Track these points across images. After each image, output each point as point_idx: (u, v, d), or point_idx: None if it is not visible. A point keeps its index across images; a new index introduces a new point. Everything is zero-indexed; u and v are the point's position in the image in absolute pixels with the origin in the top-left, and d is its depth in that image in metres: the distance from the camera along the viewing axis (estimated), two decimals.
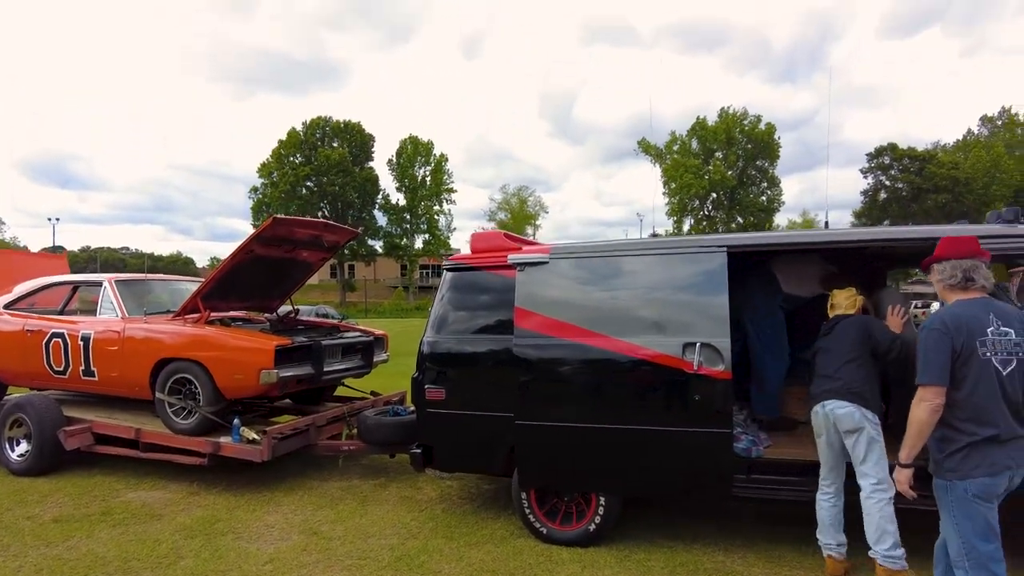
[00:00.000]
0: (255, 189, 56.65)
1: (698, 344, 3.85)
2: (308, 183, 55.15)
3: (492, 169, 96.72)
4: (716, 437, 3.82)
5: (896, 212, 51.88)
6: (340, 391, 7.31)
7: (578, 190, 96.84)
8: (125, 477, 5.88)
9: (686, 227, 52.77)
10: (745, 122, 53.50)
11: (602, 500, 4.18)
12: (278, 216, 5.60)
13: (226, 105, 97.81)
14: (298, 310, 7.35)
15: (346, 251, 54.35)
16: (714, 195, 53.66)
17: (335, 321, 8.88)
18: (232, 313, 6.81)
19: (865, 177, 56.33)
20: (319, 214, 53.94)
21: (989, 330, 2.61)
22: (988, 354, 2.59)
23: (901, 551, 3.38)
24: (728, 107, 54.25)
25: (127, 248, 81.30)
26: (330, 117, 57.36)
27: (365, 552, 4.17)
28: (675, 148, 54.92)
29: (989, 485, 2.55)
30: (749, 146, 53.28)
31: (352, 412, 6.17)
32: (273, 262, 6.21)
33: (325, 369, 5.96)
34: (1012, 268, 5.56)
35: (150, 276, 7.71)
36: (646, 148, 54.71)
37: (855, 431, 3.50)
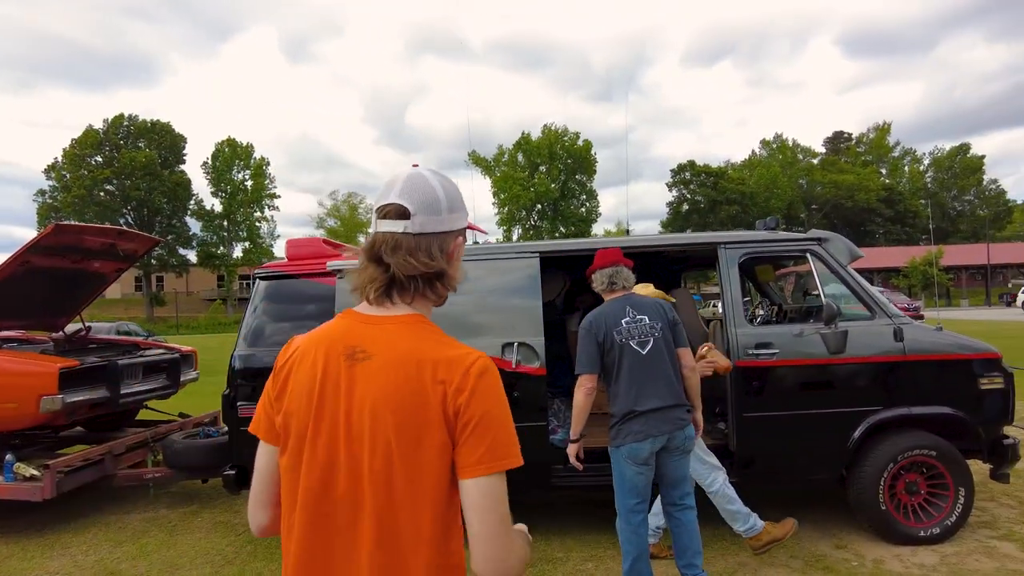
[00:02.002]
0: (42, 192, 49.64)
1: (516, 344, 4.04)
2: (108, 186, 49.43)
3: (320, 174, 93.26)
4: (534, 431, 4.02)
5: (696, 222, 58.12)
6: (144, 415, 6.65)
7: None
8: None
9: (515, 236, 54.60)
10: (565, 138, 56.66)
11: None
12: (61, 223, 5.00)
13: (2, 95, 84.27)
14: (89, 327, 6.57)
15: (153, 261, 49.31)
16: (539, 206, 56.18)
17: (137, 339, 8.07)
18: (5, 334, 5.95)
19: (670, 190, 62.52)
20: (121, 221, 48.48)
21: (624, 320, 3.18)
22: (624, 339, 3.15)
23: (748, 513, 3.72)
24: (551, 123, 57.19)
25: None
26: (136, 116, 52.01)
27: None
28: (503, 161, 56.75)
29: (636, 450, 3.11)
30: (569, 161, 56.49)
31: (157, 437, 5.64)
32: (58, 274, 5.52)
33: (123, 392, 5.39)
34: (782, 271, 6.45)
35: None
36: (476, 160, 55.92)
37: None
